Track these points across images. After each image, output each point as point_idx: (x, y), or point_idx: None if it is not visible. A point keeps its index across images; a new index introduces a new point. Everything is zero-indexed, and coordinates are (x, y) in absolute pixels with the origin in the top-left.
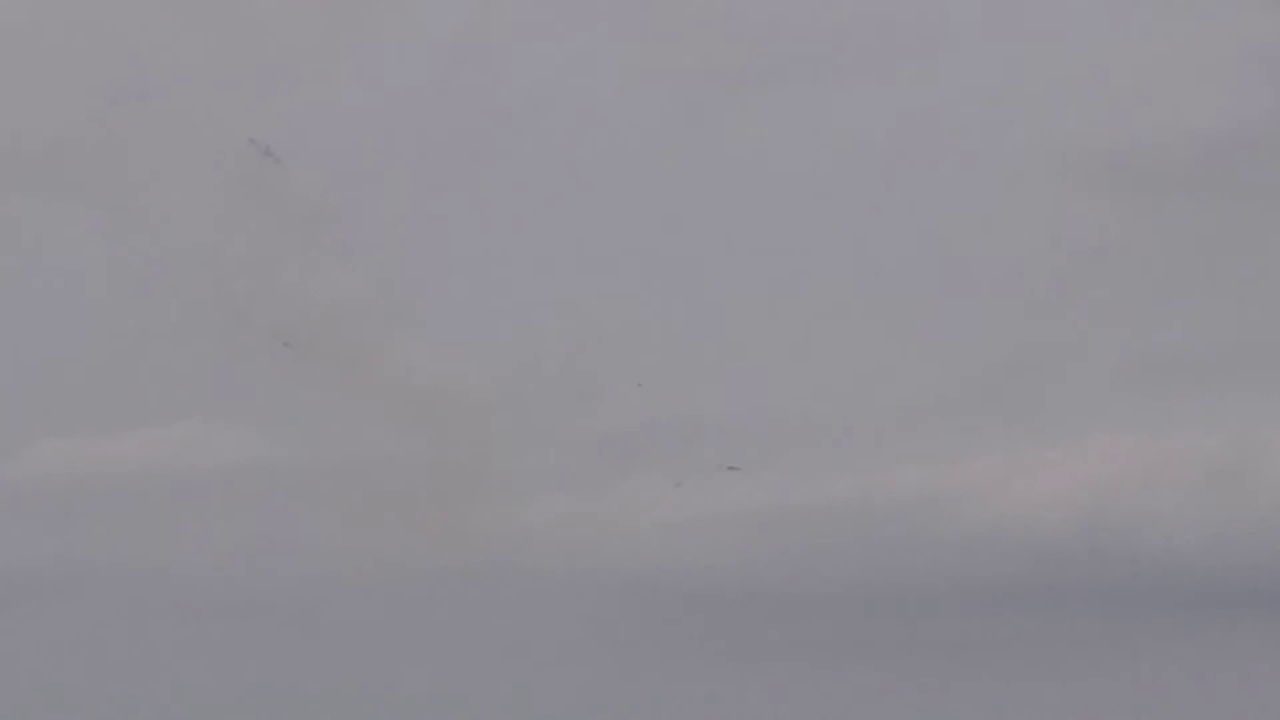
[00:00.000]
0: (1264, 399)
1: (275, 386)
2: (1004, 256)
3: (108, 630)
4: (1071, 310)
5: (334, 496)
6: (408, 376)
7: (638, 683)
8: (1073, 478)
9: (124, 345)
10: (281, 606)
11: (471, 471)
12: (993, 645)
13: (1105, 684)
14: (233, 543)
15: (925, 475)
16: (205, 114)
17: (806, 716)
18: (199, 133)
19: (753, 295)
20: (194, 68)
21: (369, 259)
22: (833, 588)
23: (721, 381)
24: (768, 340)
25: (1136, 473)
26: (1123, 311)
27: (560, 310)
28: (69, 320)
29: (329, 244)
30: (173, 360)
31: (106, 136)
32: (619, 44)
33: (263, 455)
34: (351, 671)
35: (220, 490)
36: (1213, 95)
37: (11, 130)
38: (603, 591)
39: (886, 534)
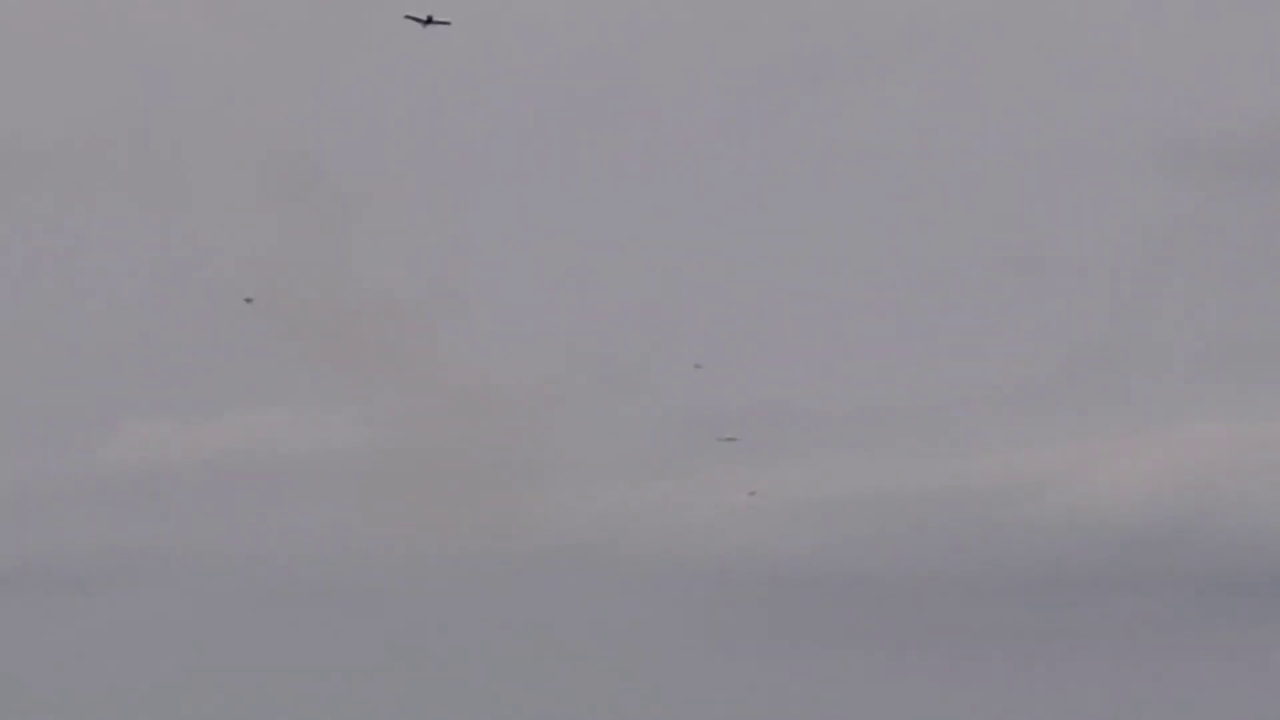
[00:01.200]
0: None
1: (344, 378)
2: (1090, 245)
3: (194, 612)
4: (1157, 298)
5: (410, 484)
6: (470, 367)
7: (717, 665)
8: (1159, 464)
9: (189, 337)
10: (364, 591)
11: (550, 458)
12: (1077, 629)
13: (1192, 666)
14: (314, 527)
15: (1012, 462)
16: (248, 114)
17: (886, 699)
18: (244, 133)
19: (834, 283)
20: (234, 69)
21: (423, 253)
22: (918, 573)
23: (805, 370)
24: (850, 328)
25: (1222, 458)
26: (1208, 298)
27: (635, 300)
28: (143, 313)
29: (382, 239)
30: (241, 351)
31: (154, 137)
32: (686, 34)
33: (343, 444)
34: (435, 652)
35: (302, 476)
36: None
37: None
38: (683, 576)
39: (973, 519)
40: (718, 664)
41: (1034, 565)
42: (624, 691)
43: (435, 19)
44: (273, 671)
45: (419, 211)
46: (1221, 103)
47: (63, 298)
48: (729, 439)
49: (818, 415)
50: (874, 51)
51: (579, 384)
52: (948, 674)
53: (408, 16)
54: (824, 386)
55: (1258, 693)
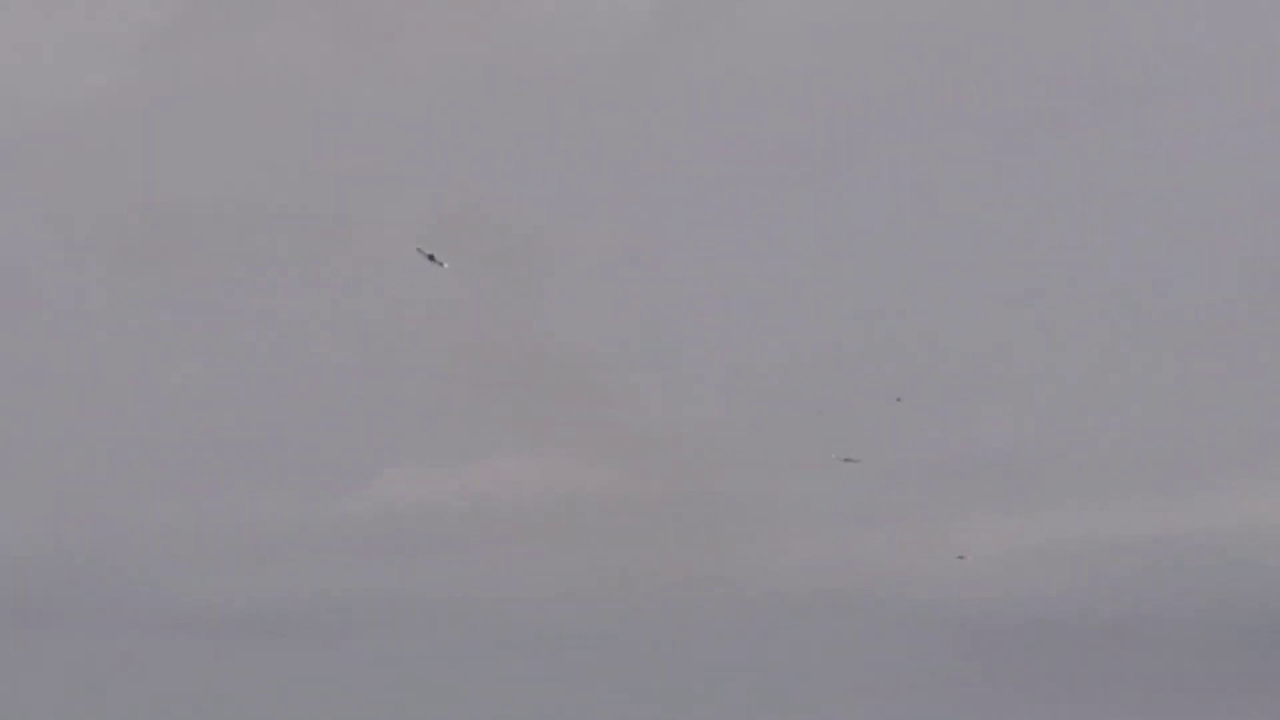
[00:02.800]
0: None
1: (564, 425)
2: None
3: (446, 657)
4: None
5: (651, 528)
6: (681, 413)
7: (970, 709)
8: None
9: (412, 391)
10: (608, 634)
11: (778, 503)
12: None
13: None
14: (557, 572)
15: (1259, 505)
16: (422, 173)
17: None
18: (421, 191)
19: (1069, 323)
20: (405, 130)
21: (614, 302)
22: (1169, 617)
23: (1048, 415)
24: (1096, 373)
25: None
26: None
27: (839, 342)
28: (363, 371)
29: (568, 289)
30: (476, 401)
31: (340, 199)
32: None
33: (582, 488)
34: (684, 694)
35: (542, 520)
36: None
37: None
38: (936, 620)
39: (1221, 563)
40: (971, 707)
41: None
42: None
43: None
44: (521, 711)
45: (605, 260)
46: None
47: (288, 359)
48: (851, 460)
49: (1066, 463)
50: (1111, 91)
51: (795, 427)
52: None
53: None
54: (1072, 434)
55: None
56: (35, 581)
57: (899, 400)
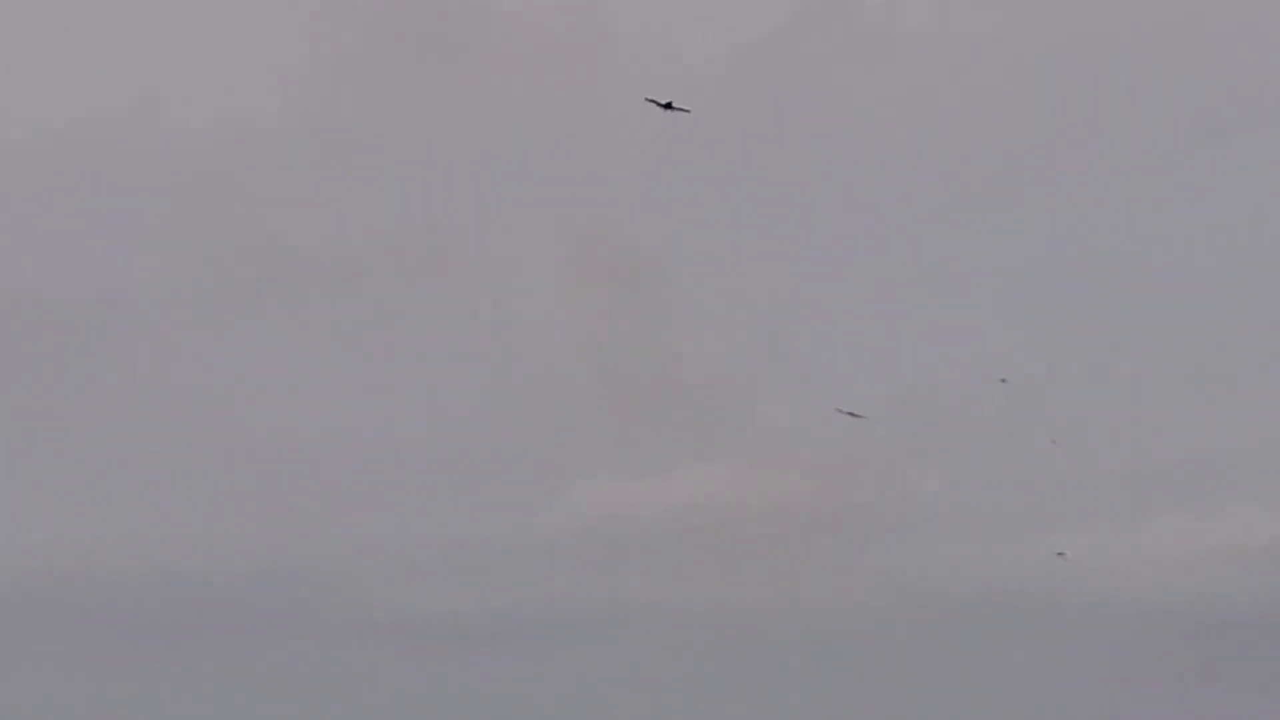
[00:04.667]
0: None
1: (732, 437)
2: None
3: (640, 669)
4: None
5: (831, 533)
6: (816, 424)
7: (1161, 706)
8: None
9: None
10: (796, 636)
11: (994, 505)
12: None
13: None
14: (739, 579)
15: None
16: (548, 204)
17: None
18: (545, 220)
19: (1259, 332)
20: (530, 160)
21: (739, 319)
22: None
23: (1233, 419)
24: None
25: None
26: None
27: (973, 351)
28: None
29: (696, 308)
30: (650, 415)
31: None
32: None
33: (761, 497)
34: (865, 709)
35: (724, 530)
36: None
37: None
38: (1131, 620)
39: None
40: (1161, 703)
41: None
42: None
43: (675, 106)
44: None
45: (725, 280)
46: None
47: (453, 383)
48: (853, 414)
49: (1252, 465)
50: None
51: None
52: None
53: (647, 99)
54: (1255, 435)
55: None
56: (253, 593)
57: (1003, 381)
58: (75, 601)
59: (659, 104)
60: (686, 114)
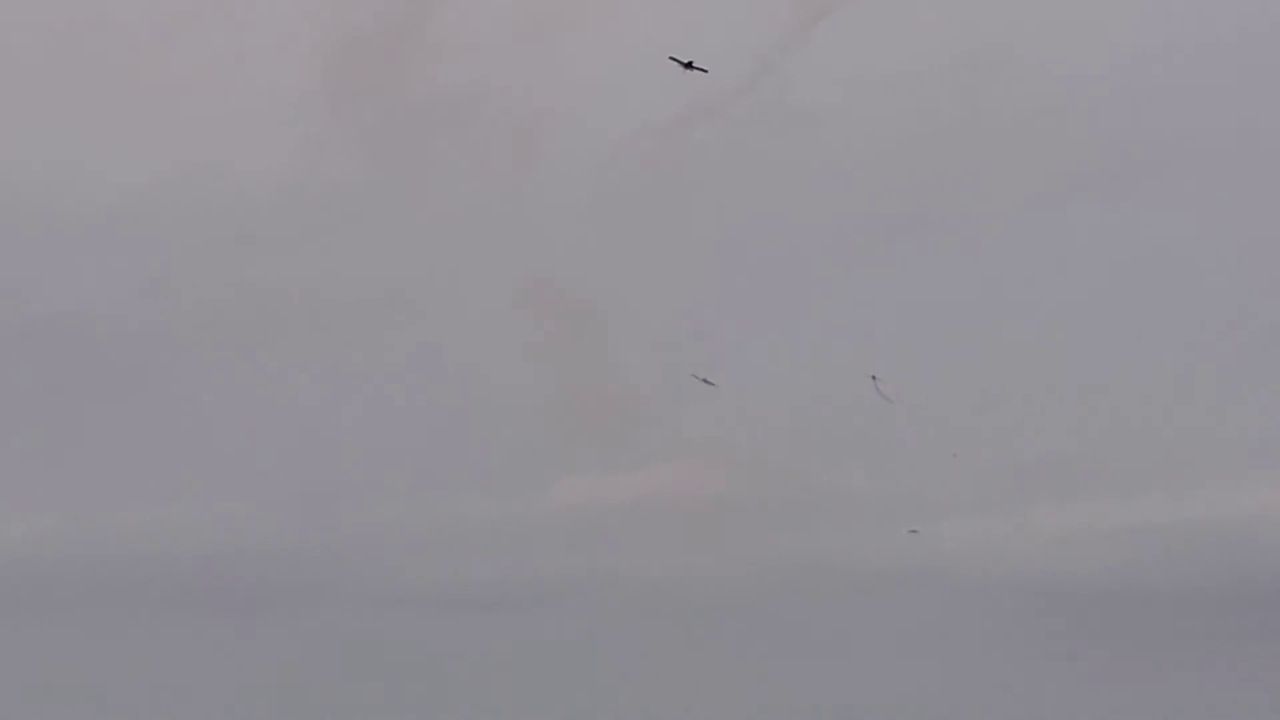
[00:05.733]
0: None
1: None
2: None
3: (614, 629)
4: None
5: (775, 520)
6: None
7: (1032, 672)
8: None
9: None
10: (744, 607)
11: (894, 496)
12: None
13: None
14: (698, 559)
15: (1259, 498)
16: (499, 257)
17: (1172, 699)
18: (498, 269)
19: (1130, 363)
20: (483, 222)
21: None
22: (1193, 589)
23: (1094, 422)
24: (1130, 391)
25: None
26: None
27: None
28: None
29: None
30: (616, 425)
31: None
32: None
33: (712, 490)
34: (790, 664)
35: (684, 517)
36: None
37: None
38: (1004, 595)
39: (1236, 544)
40: (1033, 670)
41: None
42: (961, 693)
43: (695, 65)
44: (679, 676)
45: (652, 314)
46: None
47: (459, 396)
48: (705, 380)
49: (1105, 463)
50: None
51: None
52: (1224, 671)
53: (671, 58)
54: (1113, 438)
55: None
56: (288, 567)
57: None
58: (128, 576)
59: (681, 63)
60: (705, 73)
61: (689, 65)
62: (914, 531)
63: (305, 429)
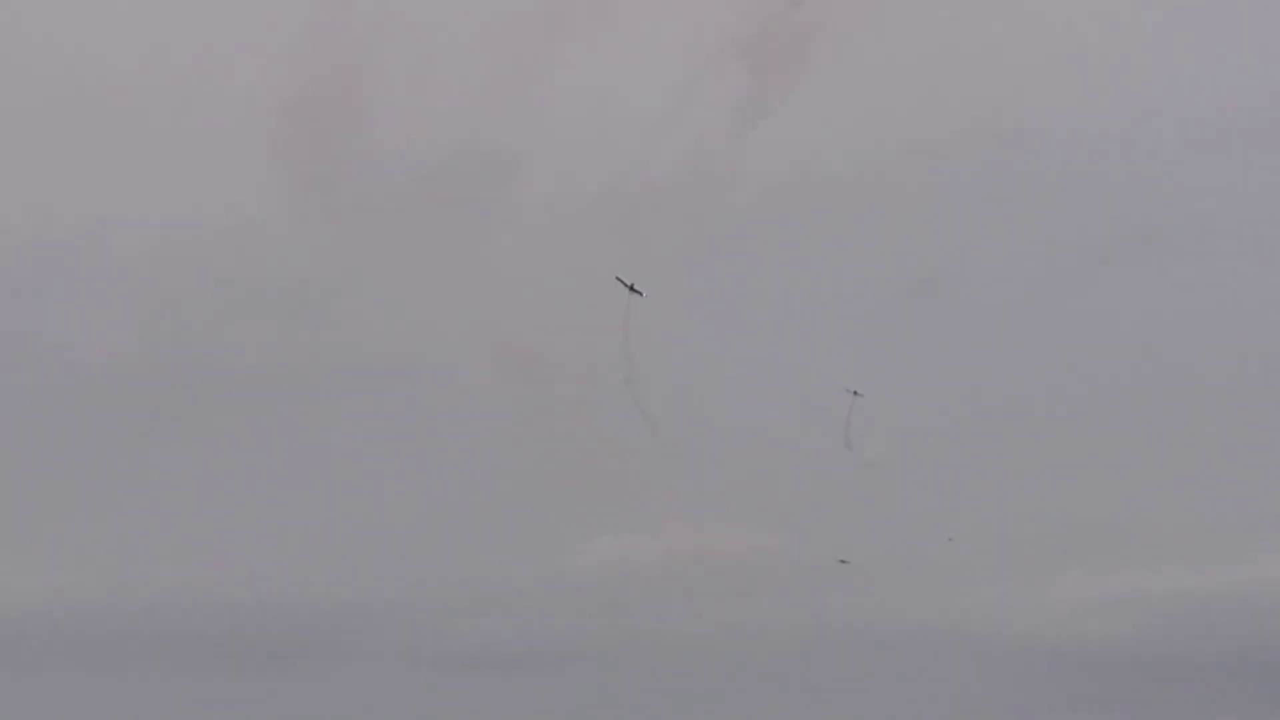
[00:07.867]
0: None
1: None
2: None
3: (640, 690)
4: None
5: (802, 581)
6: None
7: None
8: None
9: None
10: (761, 668)
11: (918, 561)
12: None
13: None
14: (726, 616)
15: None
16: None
17: None
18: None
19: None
20: (452, 289)
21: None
22: (1213, 656)
23: (1118, 492)
24: (1153, 462)
25: None
26: None
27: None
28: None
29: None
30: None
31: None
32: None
33: (738, 550)
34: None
35: (713, 575)
36: None
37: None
38: (1029, 659)
39: (1256, 612)
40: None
41: None
42: None
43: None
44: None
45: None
46: None
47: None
48: (844, 561)
49: (1134, 530)
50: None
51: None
52: None
53: (617, 278)
54: (1143, 506)
55: None
56: (317, 626)
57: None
58: (159, 631)
59: (625, 284)
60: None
61: (631, 288)
62: (844, 562)
63: (336, 490)
